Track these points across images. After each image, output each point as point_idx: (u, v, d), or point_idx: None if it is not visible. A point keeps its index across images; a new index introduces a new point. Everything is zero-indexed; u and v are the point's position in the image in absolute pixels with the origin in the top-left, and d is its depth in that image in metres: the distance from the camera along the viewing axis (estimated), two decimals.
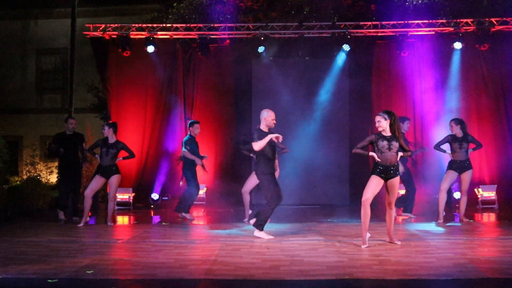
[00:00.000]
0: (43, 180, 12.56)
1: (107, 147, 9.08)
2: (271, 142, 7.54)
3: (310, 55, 12.63)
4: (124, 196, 11.72)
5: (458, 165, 8.93)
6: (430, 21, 12.01)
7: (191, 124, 10.13)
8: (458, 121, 9.09)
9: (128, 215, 11.00)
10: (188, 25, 12.38)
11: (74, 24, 13.90)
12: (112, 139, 9.15)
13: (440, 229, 8.40)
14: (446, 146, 9.19)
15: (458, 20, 11.94)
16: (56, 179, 12.49)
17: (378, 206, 9.94)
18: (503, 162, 12.11)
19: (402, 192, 10.08)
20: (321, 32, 12.18)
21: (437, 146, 9.18)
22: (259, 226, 7.66)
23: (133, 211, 11.53)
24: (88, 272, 5.54)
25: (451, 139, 9.01)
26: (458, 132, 8.99)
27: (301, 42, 12.23)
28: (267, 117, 7.73)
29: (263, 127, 7.74)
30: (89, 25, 12.46)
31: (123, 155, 9.36)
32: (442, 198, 9.02)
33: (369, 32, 12.15)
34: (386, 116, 6.81)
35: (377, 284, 5.04)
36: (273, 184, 7.59)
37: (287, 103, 12.36)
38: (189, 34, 12.34)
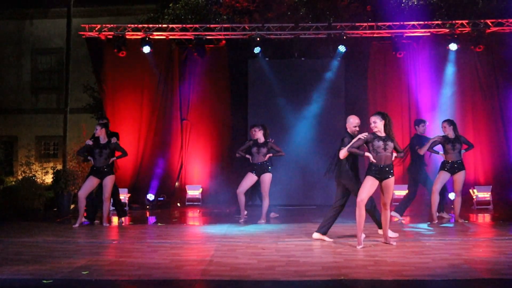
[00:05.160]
0: (38, 180, 12.52)
1: (99, 148, 9.02)
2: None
3: (306, 56, 12.64)
4: (120, 196, 11.66)
5: (451, 166, 8.94)
6: (426, 22, 12.05)
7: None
8: (450, 122, 9.10)
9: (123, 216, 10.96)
10: (184, 25, 12.37)
11: (70, 24, 13.86)
12: (104, 140, 9.10)
13: (435, 230, 8.42)
14: (438, 147, 9.20)
15: (454, 22, 11.98)
16: (51, 180, 12.46)
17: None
18: (498, 162, 12.16)
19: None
20: (317, 33, 12.19)
21: (430, 148, 9.16)
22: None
23: (129, 212, 11.49)
24: (83, 272, 5.53)
25: (443, 140, 9.01)
26: (450, 133, 9.01)
27: (297, 43, 12.23)
28: (349, 124, 7.46)
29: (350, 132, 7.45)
30: (85, 25, 12.44)
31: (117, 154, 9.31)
32: (435, 199, 9.03)
33: (365, 33, 12.17)
34: (380, 117, 6.85)
35: (373, 284, 5.05)
36: None
37: (283, 104, 12.37)
38: (185, 35, 12.33)
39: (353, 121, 7.46)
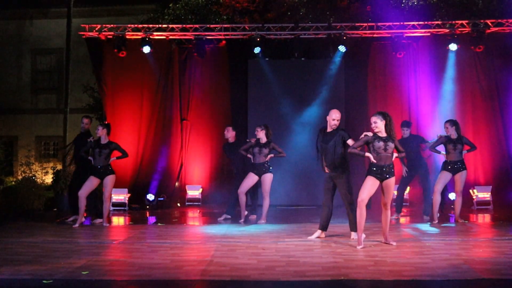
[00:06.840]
0: (38, 180, 12.52)
1: (99, 148, 9.05)
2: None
3: (306, 56, 12.61)
4: (120, 196, 11.69)
5: (452, 166, 8.95)
6: (426, 22, 12.05)
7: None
8: (453, 123, 9.11)
9: (123, 216, 10.98)
10: (184, 25, 12.37)
11: (70, 24, 13.90)
12: (104, 140, 9.12)
13: (435, 230, 8.42)
14: (440, 147, 9.21)
15: (454, 22, 11.98)
16: (51, 180, 12.47)
17: (373, 207, 9.96)
18: (498, 163, 12.15)
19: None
20: (317, 33, 12.19)
21: (432, 148, 9.20)
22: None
23: (129, 212, 11.51)
24: (83, 273, 5.53)
25: (445, 140, 9.03)
26: (453, 133, 9.01)
27: (297, 43, 12.22)
28: (328, 118, 7.63)
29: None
30: (85, 25, 12.44)
31: (116, 155, 9.32)
32: (436, 199, 9.05)
33: (365, 33, 12.17)
34: (381, 117, 6.84)
35: (373, 284, 5.05)
36: None
37: (282, 104, 12.35)
38: (185, 35, 12.33)
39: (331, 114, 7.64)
